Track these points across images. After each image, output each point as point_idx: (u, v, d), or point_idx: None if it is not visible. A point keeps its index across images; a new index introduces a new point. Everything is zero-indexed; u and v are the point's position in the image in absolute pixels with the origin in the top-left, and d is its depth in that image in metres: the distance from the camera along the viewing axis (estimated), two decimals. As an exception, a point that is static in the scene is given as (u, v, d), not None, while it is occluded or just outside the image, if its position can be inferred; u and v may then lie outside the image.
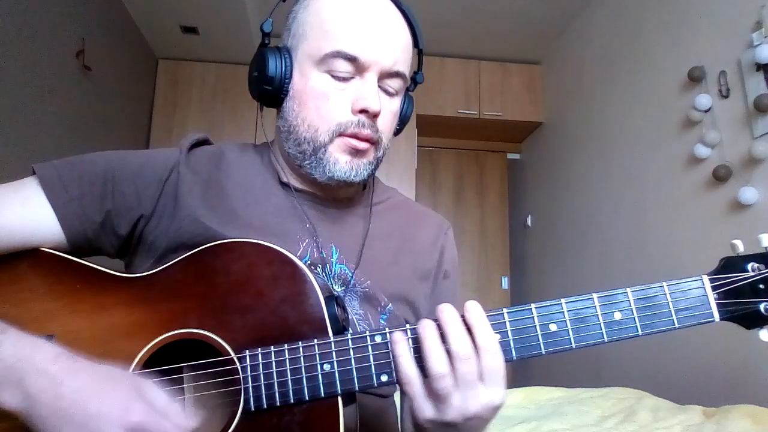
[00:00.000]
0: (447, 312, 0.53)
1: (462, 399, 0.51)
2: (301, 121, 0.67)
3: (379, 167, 0.73)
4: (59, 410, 0.49)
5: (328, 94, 0.66)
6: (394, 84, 0.69)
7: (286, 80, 0.68)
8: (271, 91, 0.69)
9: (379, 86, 0.68)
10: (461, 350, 0.51)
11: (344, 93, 0.66)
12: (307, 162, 0.68)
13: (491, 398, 0.52)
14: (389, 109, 0.70)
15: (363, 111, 0.65)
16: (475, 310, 0.53)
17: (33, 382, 0.50)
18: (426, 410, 0.52)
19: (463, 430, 0.52)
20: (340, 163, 0.67)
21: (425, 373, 0.52)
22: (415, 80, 0.78)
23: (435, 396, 0.51)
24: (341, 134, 0.66)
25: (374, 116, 0.67)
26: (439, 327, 0.53)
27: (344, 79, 0.66)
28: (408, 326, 0.56)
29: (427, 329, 0.53)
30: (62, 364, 0.51)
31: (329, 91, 0.66)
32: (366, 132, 0.66)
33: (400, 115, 0.75)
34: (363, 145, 0.67)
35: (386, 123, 0.70)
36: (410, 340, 0.54)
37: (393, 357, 0.53)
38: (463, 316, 0.54)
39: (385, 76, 0.67)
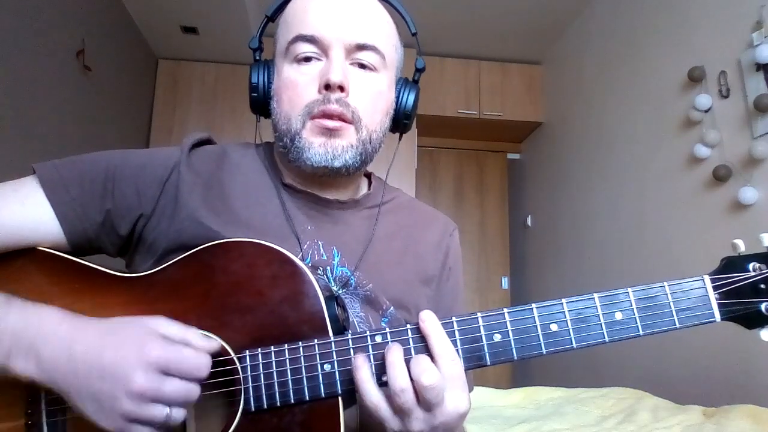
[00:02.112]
0: (428, 320, 0.54)
1: (426, 411, 0.51)
2: (279, 115, 0.69)
3: (371, 156, 0.70)
4: (75, 369, 0.50)
5: (297, 81, 0.66)
6: (368, 57, 0.67)
7: (269, 85, 0.71)
8: (258, 98, 0.72)
9: (352, 62, 0.67)
10: (444, 356, 0.52)
11: (310, 76, 0.66)
12: (290, 155, 0.68)
13: (456, 405, 0.52)
14: (365, 84, 0.67)
15: (327, 87, 0.64)
16: (429, 318, 0.54)
17: (44, 346, 0.51)
18: (392, 423, 0.52)
19: None
20: (315, 146, 0.65)
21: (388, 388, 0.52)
22: (415, 66, 0.76)
23: (399, 410, 0.51)
24: (312, 117, 0.65)
25: (341, 89, 0.64)
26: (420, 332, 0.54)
27: (308, 61, 0.66)
28: (408, 326, 0.56)
29: (392, 347, 0.53)
30: (69, 324, 0.53)
31: (297, 77, 0.67)
32: (333, 107, 0.64)
33: (397, 103, 0.73)
34: (333, 123, 0.65)
35: (363, 99, 0.67)
36: (372, 356, 0.54)
37: (356, 383, 0.53)
38: (417, 325, 0.55)
39: (353, 50, 0.66)
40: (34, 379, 0.51)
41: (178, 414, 0.51)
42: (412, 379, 0.51)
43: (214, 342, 0.55)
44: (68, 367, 0.50)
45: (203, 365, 0.52)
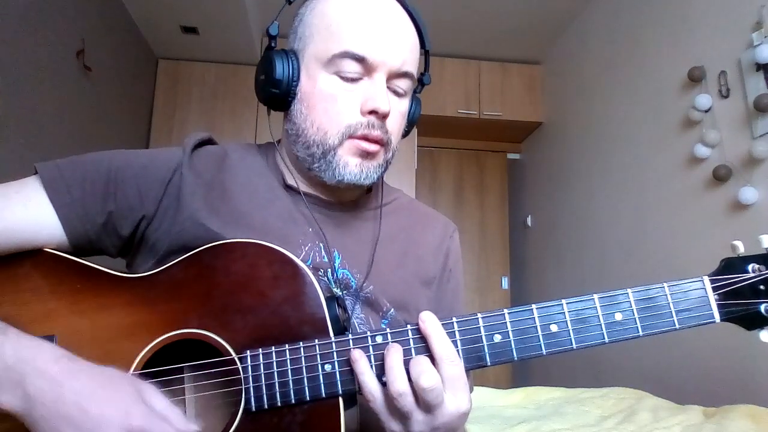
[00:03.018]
0: (428, 321, 0.54)
1: (426, 413, 0.51)
2: (310, 123, 0.67)
3: (387, 169, 0.72)
4: (59, 412, 0.49)
5: (337, 96, 0.65)
6: (403, 84, 0.69)
7: (294, 83, 0.68)
8: (279, 95, 0.68)
9: (388, 87, 0.67)
10: (445, 356, 0.52)
11: (353, 94, 0.65)
12: (316, 165, 0.67)
13: (458, 406, 0.52)
14: (398, 109, 0.69)
15: (372, 112, 0.65)
16: (429, 319, 0.54)
17: (33, 383, 0.50)
18: (392, 425, 0.53)
19: None
20: (350, 166, 0.66)
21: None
22: (422, 81, 0.76)
23: (398, 414, 0.52)
24: (351, 136, 0.65)
25: (384, 117, 0.66)
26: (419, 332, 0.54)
27: (353, 80, 0.66)
28: (409, 326, 0.56)
29: (391, 350, 0.54)
30: (63, 366, 0.51)
31: (338, 92, 0.65)
32: (376, 133, 0.66)
33: (408, 116, 0.74)
34: (373, 148, 0.66)
35: (395, 124, 0.69)
36: (372, 357, 0.55)
37: (355, 374, 0.54)
38: (417, 325, 0.55)
39: (393, 76, 0.67)
40: (14, 413, 0.50)
41: None
42: (410, 381, 0.51)
43: (192, 427, 0.53)
44: (52, 409, 0.49)
45: None
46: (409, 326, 0.55)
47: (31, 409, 0.49)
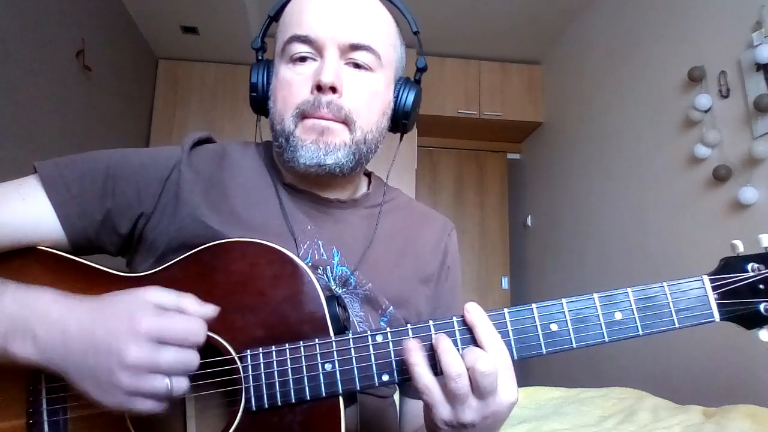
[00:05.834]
0: (474, 311, 0.53)
1: (480, 399, 0.50)
2: (276, 115, 0.69)
3: (365, 157, 0.70)
4: (72, 349, 0.49)
5: (291, 81, 0.67)
6: (363, 57, 0.67)
7: (268, 85, 0.71)
8: (257, 97, 0.72)
9: (347, 62, 0.67)
10: (493, 346, 0.52)
11: (304, 77, 0.66)
12: (286, 155, 0.67)
13: (508, 395, 0.52)
14: (359, 84, 0.67)
15: (318, 88, 0.64)
16: (474, 310, 0.53)
17: (40, 328, 0.50)
18: (443, 412, 0.51)
19: (479, 430, 0.52)
20: (307, 143, 0.65)
21: (440, 374, 0.51)
22: (416, 66, 0.76)
23: (453, 397, 0.50)
24: (303, 117, 0.66)
25: (332, 90, 0.64)
26: (465, 324, 0.53)
27: (303, 61, 0.66)
28: (409, 326, 0.55)
29: (440, 337, 0.53)
30: (62, 304, 0.52)
31: (291, 77, 0.67)
32: (324, 111, 0.64)
33: (396, 103, 0.73)
34: (326, 123, 0.65)
35: (357, 99, 0.67)
36: (423, 346, 0.53)
37: (408, 366, 0.52)
38: (462, 317, 0.54)
39: (347, 50, 0.66)
40: (33, 361, 0.50)
41: (180, 384, 0.50)
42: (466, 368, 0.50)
43: (209, 307, 0.53)
44: (64, 347, 0.49)
45: (198, 329, 0.51)
46: (455, 318, 0.55)
47: (47, 354, 0.50)
